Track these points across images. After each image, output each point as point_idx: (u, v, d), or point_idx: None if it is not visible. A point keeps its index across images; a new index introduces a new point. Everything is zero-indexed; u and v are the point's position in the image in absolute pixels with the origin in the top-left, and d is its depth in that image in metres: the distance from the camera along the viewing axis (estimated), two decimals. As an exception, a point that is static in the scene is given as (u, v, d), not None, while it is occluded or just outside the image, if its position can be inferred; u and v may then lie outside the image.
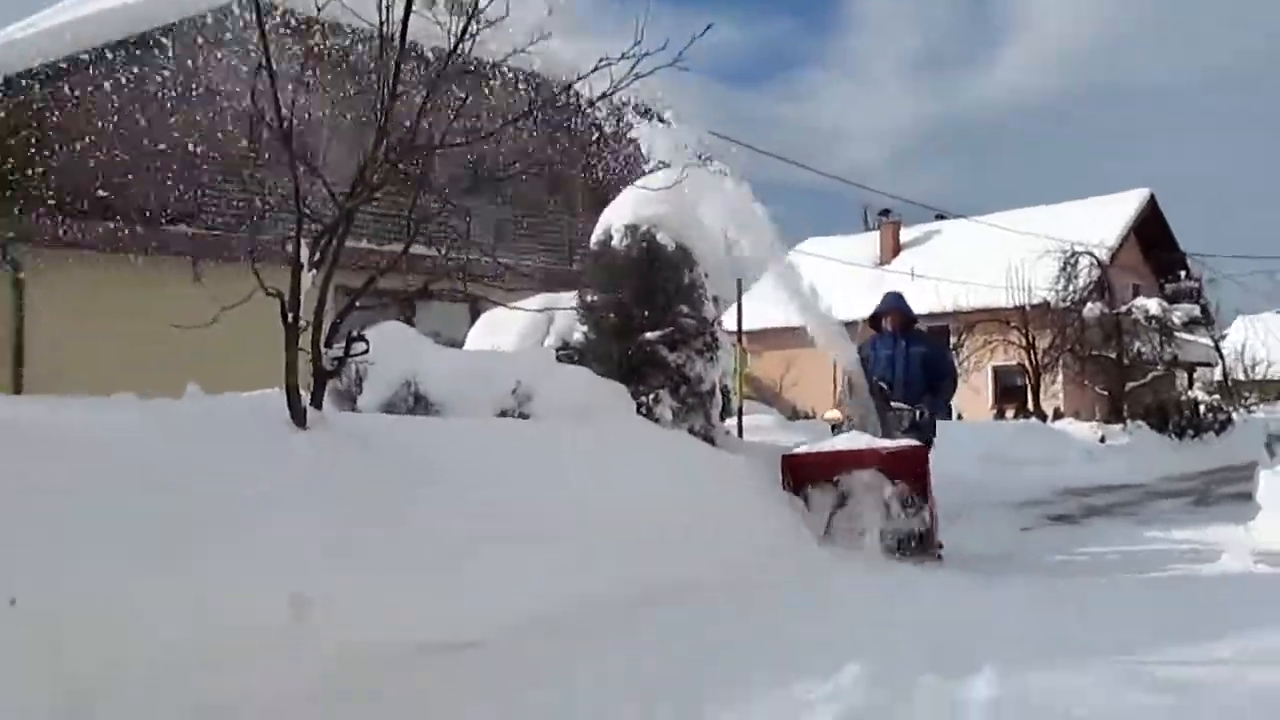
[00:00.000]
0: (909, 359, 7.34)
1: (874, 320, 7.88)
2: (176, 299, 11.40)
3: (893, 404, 7.08)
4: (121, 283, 12.09)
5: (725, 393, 7.23)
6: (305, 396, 3.86)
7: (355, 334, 4.06)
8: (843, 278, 31.35)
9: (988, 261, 26.81)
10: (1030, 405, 22.41)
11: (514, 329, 8.05)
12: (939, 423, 7.69)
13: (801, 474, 6.30)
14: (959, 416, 25.73)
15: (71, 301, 11.55)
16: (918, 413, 7.13)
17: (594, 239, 6.87)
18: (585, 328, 6.93)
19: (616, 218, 6.59)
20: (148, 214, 12.45)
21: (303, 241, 3.48)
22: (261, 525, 3.04)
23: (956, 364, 8.05)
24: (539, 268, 16.41)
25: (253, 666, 2.66)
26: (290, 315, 3.40)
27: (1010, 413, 23.47)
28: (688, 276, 6.53)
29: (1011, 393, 25.66)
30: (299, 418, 3.60)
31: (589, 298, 6.84)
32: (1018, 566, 6.51)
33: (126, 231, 12.06)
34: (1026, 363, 22.87)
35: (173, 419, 3.57)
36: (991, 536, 8.43)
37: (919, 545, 6.03)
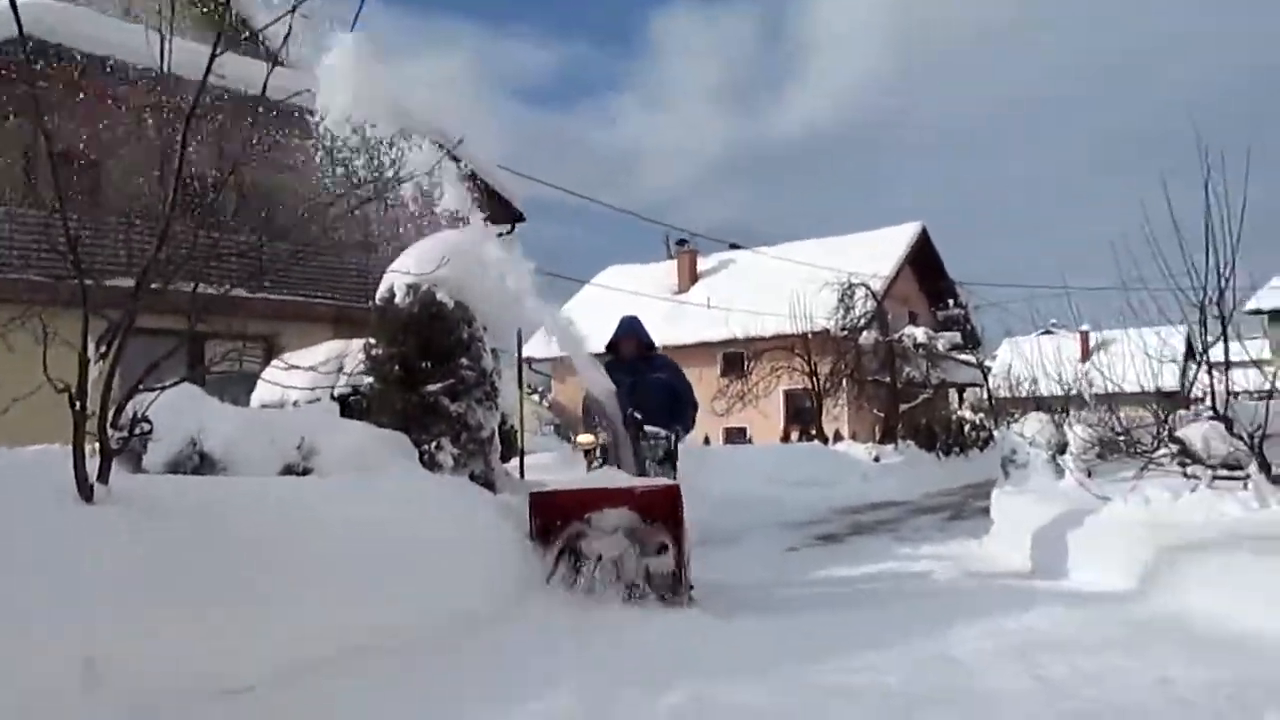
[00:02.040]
0: (650, 386, 7.12)
1: (611, 347, 7.49)
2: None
3: (646, 429, 6.87)
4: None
5: (508, 436, 7.61)
6: (92, 465, 4.07)
7: (140, 415, 4.35)
8: (641, 307, 32.44)
9: (778, 290, 28.30)
10: (815, 428, 23.84)
11: (306, 373, 8.21)
12: (679, 448, 7.44)
13: (550, 514, 5.98)
14: (748, 439, 27.04)
15: None
16: (672, 438, 7.02)
17: (379, 295, 7.20)
18: (371, 379, 7.25)
19: (399, 276, 6.95)
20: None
21: (89, 338, 3.74)
22: (54, 600, 3.28)
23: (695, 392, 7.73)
24: (334, 306, 16.43)
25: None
26: (79, 404, 3.64)
27: (795, 435, 24.88)
28: (466, 331, 6.94)
29: (802, 415, 27.15)
30: (86, 494, 3.83)
31: (374, 351, 7.16)
32: (766, 596, 6.84)
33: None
34: (810, 388, 24.33)
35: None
36: (758, 561, 9.05)
37: (669, 586, 5.73)
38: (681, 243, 38.27)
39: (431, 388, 6.84)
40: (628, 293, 32.43)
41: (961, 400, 32.24)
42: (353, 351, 8.09)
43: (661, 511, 5.81)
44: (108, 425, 3.99)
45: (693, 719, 3.18)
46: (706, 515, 12.03)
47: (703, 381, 30.67)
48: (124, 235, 14.21)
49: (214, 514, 4.34)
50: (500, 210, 18.60)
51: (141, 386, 4.16)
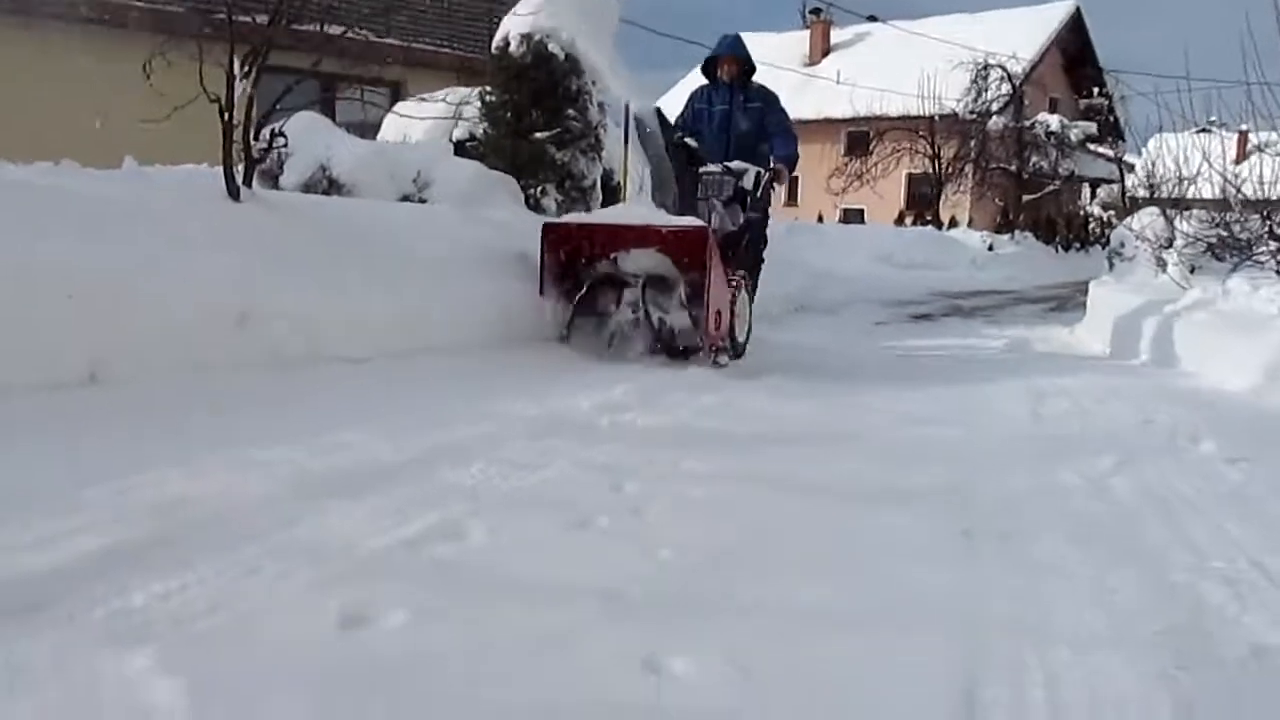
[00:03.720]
0: (746, 115, 6.30)
1: (707, 67, 6.58)
2: (80, 68, 11.69)
3: (723, 166, 6.01)
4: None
5: (614, 188, 7.95)
6: (238, 175, 4.72)
7: (278, 129, 4.94)
8: (769, 77, 31.62)
9: (912, 68, 27.23)
10: (931, 213, 23.56)
11: (427, 114, 8.69)
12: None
13: (566, 248, 5.29)
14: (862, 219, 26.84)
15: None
16: (748, 176, 6.04)
17: (495, 43, 7.52)
18: (485, 125, 7.69)
19: (515, 26, 7.24)
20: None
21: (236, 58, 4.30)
22: (215, 267, 4.00)
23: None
24: (455, 56, 16.68)
25: (216, 348, 3.74)
26: (226, 115, 4.23)
27: (911, 219, 24.61)
28: (575, 84, 7.26)
29: (921, 199, 26.75)
30: (234, 193, 4.50)
31: (489, 98, 7.57)
32: (834, 354, 7.06)
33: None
34: (932, 172, 23.84)
35: (137, 185, 4.52)
36: (845, 329, 9.50)
37: (693, 342, 5.19)
38: (816, 11, 36.68)
39: (539, 135, 7.24)
40: (762, 64, 31.58)
41: (1094, 195, 31.10)
42: (472, 99, 8.50)
43: (692, 257, 5.06)
44: (251, 138, 4.58)
45: (722, 410, 3.79)
46: (809, 286, 12.48)
47: (825, 159, 30.22)
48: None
49: (340, 220, 5.02)
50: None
51: (279, 107, 4.71)
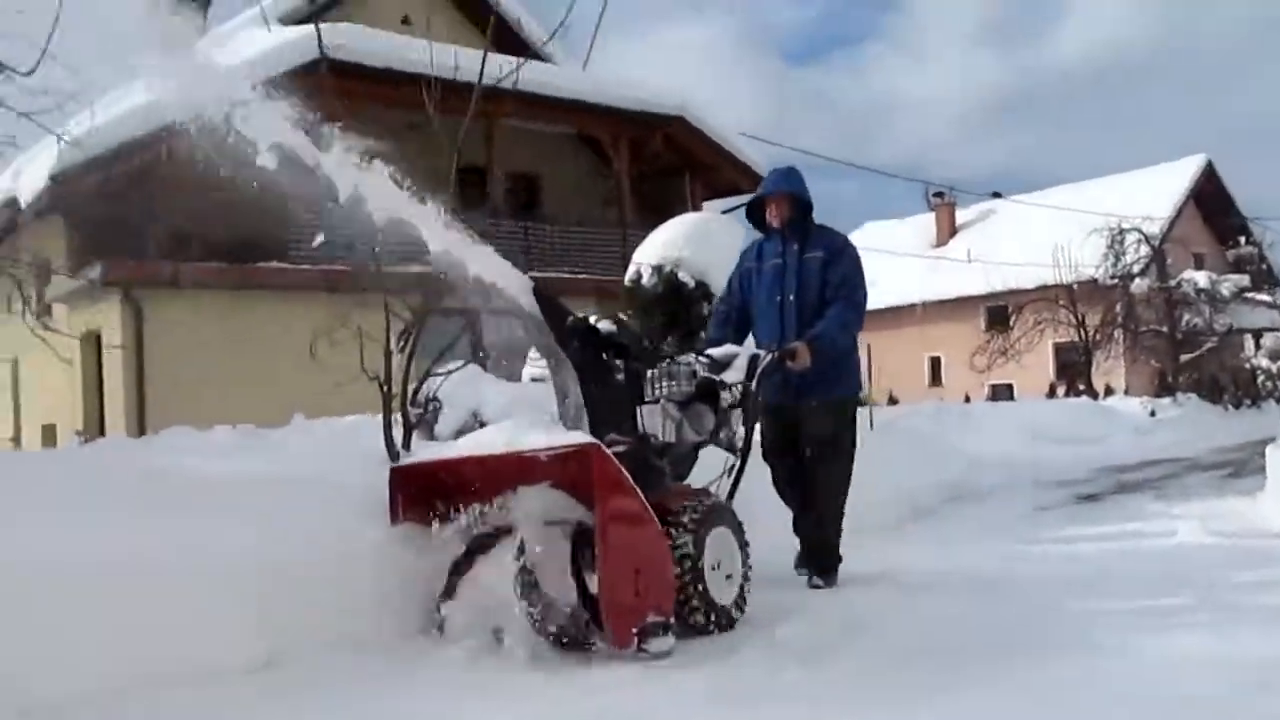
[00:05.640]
0: (805, 269, 4.94)
1: (753, 212, 5.25)
2: (271, 332, 12.94)
3: (697, 355, 4.65)
4: (221, 319, 13.59)
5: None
6: (398, 435, 5.13)
7: (432, 394, 5.41)
8: (899, 263, 32.02)
9: (1041, 239, 27.24)
10: (1084, 383, 22.92)
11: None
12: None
13: (426, 495, 3.96)
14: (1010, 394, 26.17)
15: (182, 338, 13.06)
16: (750, 360, 4.62)
17: (627, 276, 8.01)
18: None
19: (645, 258, 7.72)
20: (241, 252, 13.93)
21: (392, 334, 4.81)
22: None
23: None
24: (594, 281, 17.65)
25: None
26: (385, 387, 4.71)
27: (1063, 390, 23.97)
28: (707, 308, 7.62)
29: (1070, 369, 26.11)
30: (394, 457, 4.90)
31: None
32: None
33: (224, 266, 13.60)
34: (1078, 340, 23.37)
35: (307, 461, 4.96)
36: (1001, 519, 9.11)
37: (585, 622, 3.60)
38: (939, 195, 37.34)
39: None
40: (882, 252, 32.10)
41: (1258, 346, 29.71)
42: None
43: (577, 487, 3.65)
44: (408, 403, 5.00)
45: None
46: (964, 472, 12.15)
47: (966, 338, 30.02)
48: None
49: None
50: (743, 179, 19.17)
51: (433, 372, 5.16)
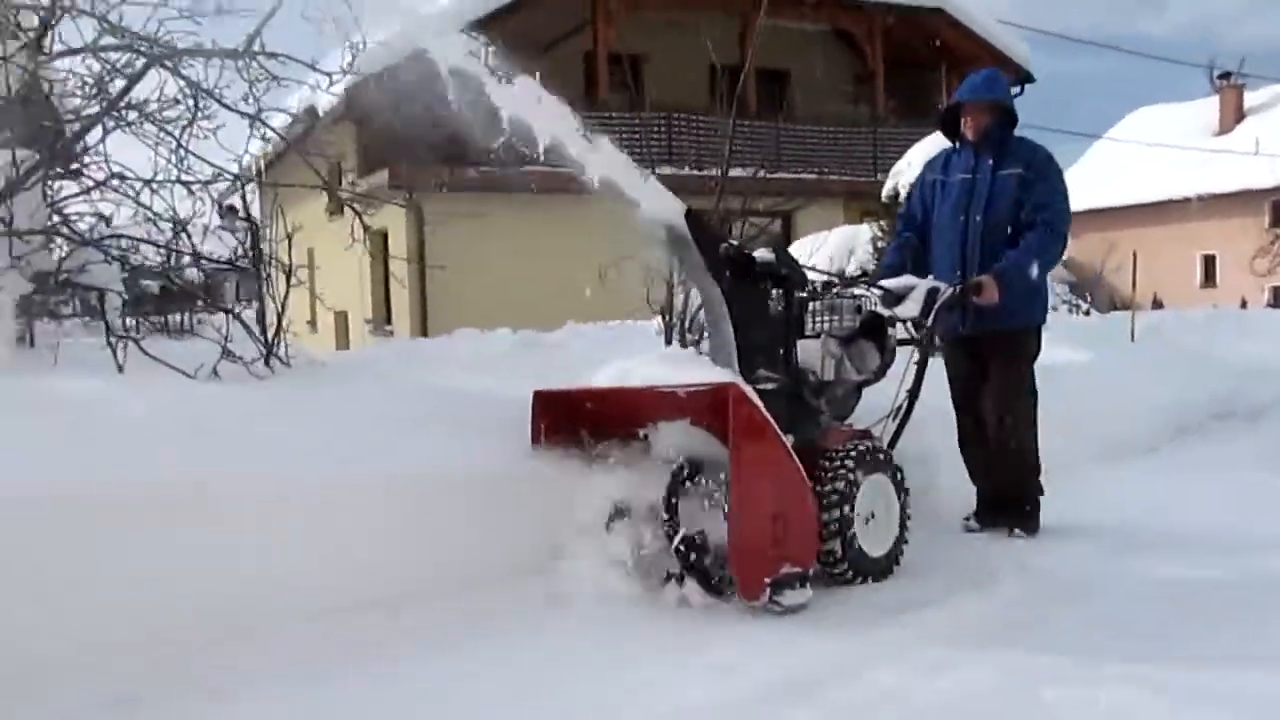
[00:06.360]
0: (999, 187, 4.39)
1: (945, 122, 4.73)
2: (541, 237, 13.95)
3: (874, 287, 4.26)
4: (498, 224, 14.70)
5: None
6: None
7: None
8: (1169, 152, 29.55)
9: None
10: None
11: (824, 251, 9.37)
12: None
13: (572, 424, 3.79)
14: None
15: (461, 239, 14.17)
16: (927, 294, 4.20)
17: (884, 191, 8.12)
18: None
19: (905, 177, 7.78)
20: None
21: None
22: None
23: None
24: (845, 182, 17.55)
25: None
26: (666, 316, 5.28)
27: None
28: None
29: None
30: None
31: (880, 243, 8.13)
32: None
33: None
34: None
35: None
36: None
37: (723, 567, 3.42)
38: (1226, 75, 33.88)
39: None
40: (1143, 144, 29.63)
41: None
42: (860, 241, 9.08)
43: (712, 427, 3.47)
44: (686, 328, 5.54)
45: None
46: (1232, 387, 11.51)
47: (1246, 236, 27.56)
48: (664, 128, 16.43)
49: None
50: (1005, 71, 18.29)
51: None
